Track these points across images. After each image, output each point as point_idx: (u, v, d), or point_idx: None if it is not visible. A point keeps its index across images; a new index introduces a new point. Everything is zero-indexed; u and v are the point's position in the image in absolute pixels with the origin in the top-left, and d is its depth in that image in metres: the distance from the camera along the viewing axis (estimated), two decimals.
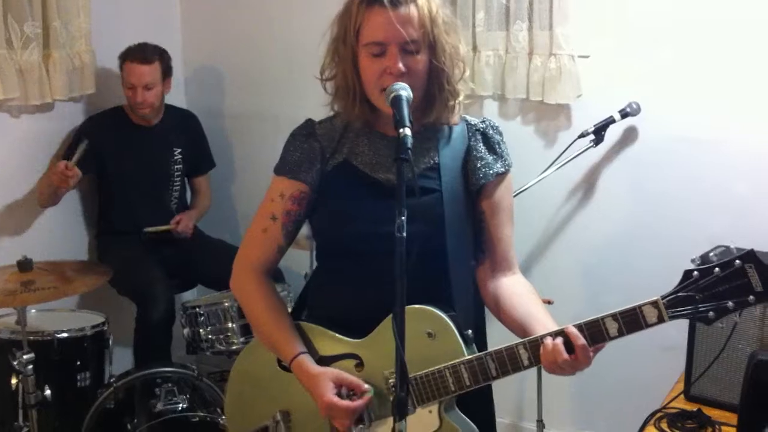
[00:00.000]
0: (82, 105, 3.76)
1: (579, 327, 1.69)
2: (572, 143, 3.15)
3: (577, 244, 3.38)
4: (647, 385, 2.81)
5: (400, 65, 1.78)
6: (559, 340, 1.69)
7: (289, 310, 2.12)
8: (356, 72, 1.85)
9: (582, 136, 3.12)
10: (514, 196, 2.82)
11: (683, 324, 2.33)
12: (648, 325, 1.64)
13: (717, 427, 2.38)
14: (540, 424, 3.12)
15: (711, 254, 1.72)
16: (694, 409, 2.45)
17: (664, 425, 2.40)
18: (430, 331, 1.81)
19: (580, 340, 1.67)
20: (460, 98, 1.93)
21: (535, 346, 1.73)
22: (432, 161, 1.92)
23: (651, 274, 3.17)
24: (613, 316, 1.67)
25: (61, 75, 3.49)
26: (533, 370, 3.02)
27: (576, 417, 3.50)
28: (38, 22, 3.37)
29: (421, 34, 1.79)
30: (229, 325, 3.29)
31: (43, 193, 3.52)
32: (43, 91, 3.42)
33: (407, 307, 1.54)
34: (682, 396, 2.54)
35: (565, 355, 1.67)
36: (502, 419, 3.57)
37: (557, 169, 3.11)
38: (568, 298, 3.17)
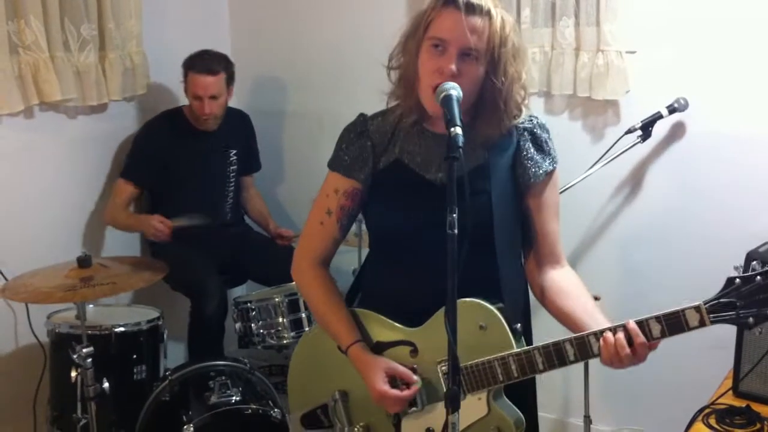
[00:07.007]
0: (134, 105, 3.83)
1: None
2: (619, 139, 3.14)
3: (623, 240, 3.37)
4: (695, 381, 2.79)
5: (453, 66, 1.81)
6: (621, 335, 1.75)
7: None
8: (417, 66, 1.89)
9: (629, 131, 3.11)
10: (561, 192, 2.84)
11: None
12: (690, 328, 1.72)
13: (766, 423, 2.36)
14: (587, 419, 3.12)
15: (754, 263, 1.77)
16: (743, 406, 2.43)
17: (712, 421, 2.38)
18: (482, 324, 1.87)
19: (640, 336, 1.74)
20: (517, 121, 1.97)
21: (581, 342, 1.79)
22: (481, 161, 1.95)
23: (697, 272, 3.17)
24: (657, 318, 1.73)
25: (116, 76, 3.56)
26: (580, 367, 3.04)
27: (623, 413, 3.50)
28: (94, 24, 3.44)
29: (485, 47, 1.83)
30: (280, 320, 3.36)
31: (119, 224, 3.68)
32: (100, 92, 3.50)
33: (462, 300, 1.62)
34: (730, 392, 2.52)
35: (628, 349, 1.74)
36: (548, 415, 3.57)
37: (604, 165, 3.11)
38: (613, 294, 3.17)
